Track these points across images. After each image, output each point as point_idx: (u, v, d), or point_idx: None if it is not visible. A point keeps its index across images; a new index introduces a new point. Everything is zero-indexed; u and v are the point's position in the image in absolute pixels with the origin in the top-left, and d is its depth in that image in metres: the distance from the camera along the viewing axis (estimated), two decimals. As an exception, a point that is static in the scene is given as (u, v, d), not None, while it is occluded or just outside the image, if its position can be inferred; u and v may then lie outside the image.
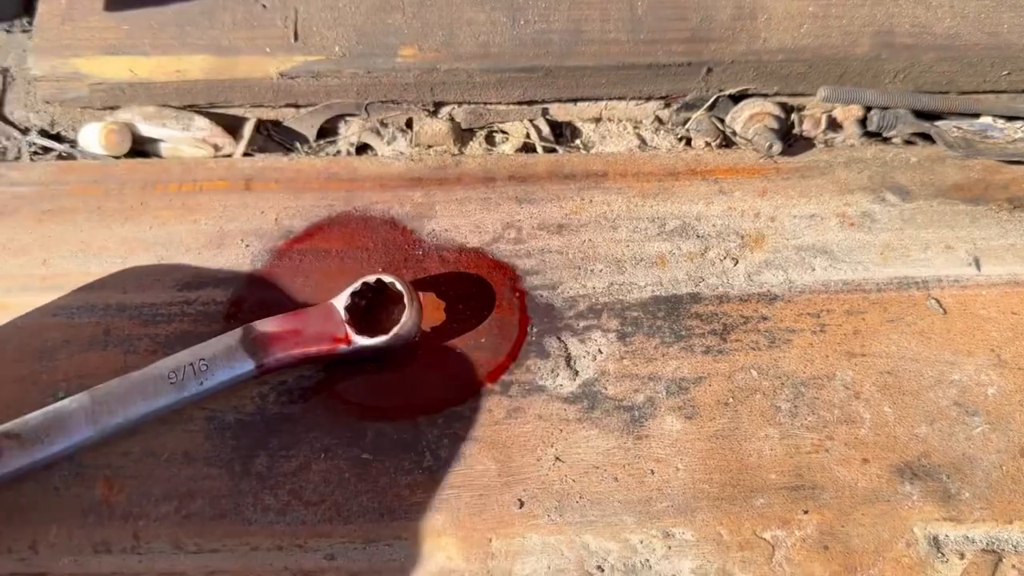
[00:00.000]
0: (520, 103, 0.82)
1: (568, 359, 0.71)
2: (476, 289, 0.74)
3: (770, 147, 0.77)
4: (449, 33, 0.78)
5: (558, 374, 0.70)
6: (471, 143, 0.83)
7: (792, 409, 0.69)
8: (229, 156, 0.81)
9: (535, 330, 0.72)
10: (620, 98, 0.82)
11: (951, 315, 0.73)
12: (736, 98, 0.81)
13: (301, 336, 0.67)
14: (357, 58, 0.77)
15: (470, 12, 0.79)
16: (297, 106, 0.82)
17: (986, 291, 0.74)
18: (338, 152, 0.83)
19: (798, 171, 0.79)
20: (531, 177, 0.79)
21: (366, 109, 0.81)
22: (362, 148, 0.84)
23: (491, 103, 0.82)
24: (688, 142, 0.83)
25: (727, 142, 0.82)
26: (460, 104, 0.82)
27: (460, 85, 0.79)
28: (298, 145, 0.83)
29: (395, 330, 0.67)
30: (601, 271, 0.75)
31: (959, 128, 0.78)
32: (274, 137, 0.83)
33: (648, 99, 0.82)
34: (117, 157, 0.81)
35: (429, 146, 0.82)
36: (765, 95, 0.81)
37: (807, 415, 0.69)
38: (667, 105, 0.82)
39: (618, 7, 0.79)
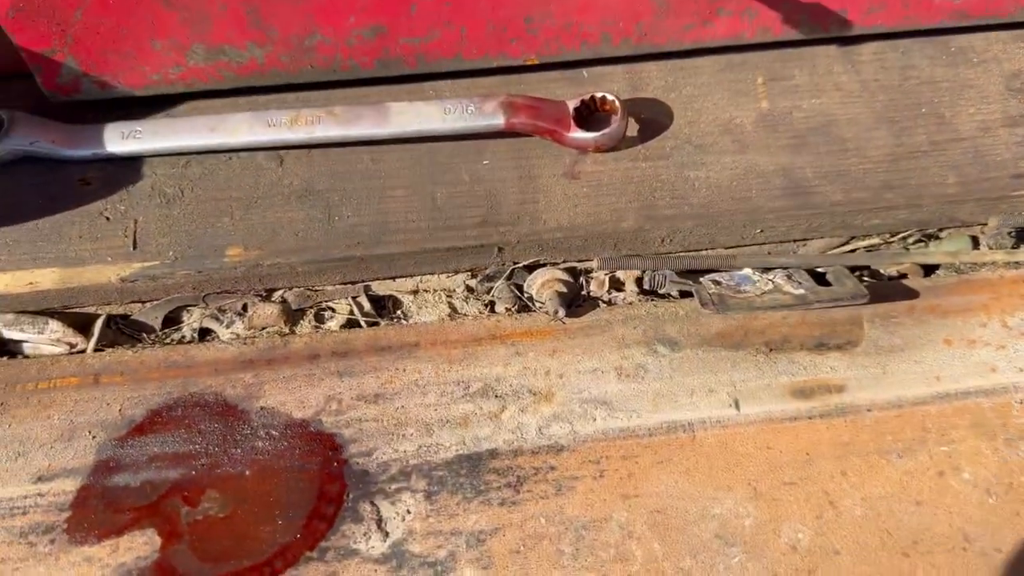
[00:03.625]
0: (343, 283, 0.93)
1: (379, 521, 0.80)
2: (299, 460, 0.83)
3: (556, 313, 0.89)
4: (272, 232, 0.89)
5: (370, 536, 0.80)
6: (301, 322, 0.94)
7: (574, 552, 0.79)
8: (83, 351, 0.91)
9: (351, 496, 0.82)
10: (431, 273, 0.94)
11: (713, 453, 0.84)
12: (530, 268, 0.93)
13: (539, 113, 0.91)
14: (188, 260, 0.88)
15: (291, 212, 0.90)
16: (142, 302, 0.92)
17: (744, 429, 0.85)
18: (183, 338, 0.93)
19: (583, 330, 0.91)
20: (352, 352, 0.90)
21: (204, 300, 0.91)
22: (205, 332, 0.94)
23: (316, 287, 0.92)
24: (492, 308, 0.94)
25: (524, 307, 0.94)
26: (290, 288, 0.93)
27: (284, 275, 0.90)
28: (145, 335, 0.93)
29: (602, 132, 0.91)
30: (412, 435, 0.85)
31: (718, 283, 0.90)
32: (123, 330, 0.93)
33: (456, 272, 0.94)
34: (-19, 358, 0.90)
35: (263, 328, 0.92)
36: (554, 264, 0.93)
37: (587, 556, 0.79)
38: (473, 276, 0.94)
39: (420, 199, 0.91)
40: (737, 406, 0.86)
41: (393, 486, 0.82)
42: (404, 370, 0.88)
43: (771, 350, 0.89)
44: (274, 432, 0.85)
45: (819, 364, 0.88)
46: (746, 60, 0.99)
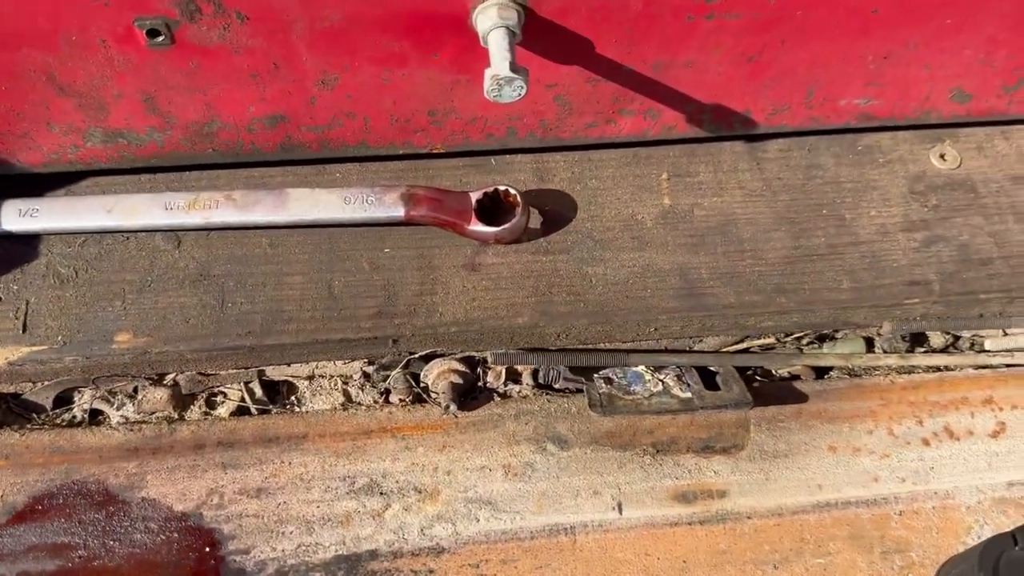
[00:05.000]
0: (236, 368, 0.93)
1: (252, 623, 0.80)
2: (176, 555, 0.83)
3: (447, 408, 0.89)
4: (162, 318, 0.89)
5: (240, 638, 0.79)
6: (192, 407, 0.94)
7: (445, 660, 0.79)
8: (-31, 431, 0.90)
9: (225, 595, 0.81)
10: (326, 359, 0.93)
11: (592, 558, 0.84)
12: (427, 357, 0.93)
13: (441, 205, 0.90)
14: (77, 346, 0.87)
15: (183, 297, 0.90)
16: (32, 382, 0.91)
17: (625, 534, 0.86)
18: (73, 419, 0.93)
19: (475, 425, 0.91)
20: (238, 442, 0.89)
21: (94, 382, 0.91)
22: (96, 412, 0.93)
23: (208, 372, 0.92)
24: (388, 396, 0.95)
25: (419, 397, 0.94)
26: (181, 372, 0.92)
27: (173, 362, 0.90)
28: (35, 415, 0.92)
29: (503, 226, 0.91)
30: (292, 533, 0.85)
31: (609, 382, 0.91)
32: (13, 409, 0.92)
33: (352, 359, 0.94)
34: None
35: (152, 412, 0.92)
36: (451, 354, 0.93)
37: (457, 665, 0.79)
38: (370, 363, 0.94)
39: (317, 287, 0.91)
40: (620, 509, 0.87)
41: (269, 585, 0.82)
42: (290, 463, 0.88)
43: (658, 451, 0.90)
44: (153, 525, 0.84)
45: (703, 468, 0.89)
46: (652, 154, 1.00)
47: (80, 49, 0.80)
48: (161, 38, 0.79)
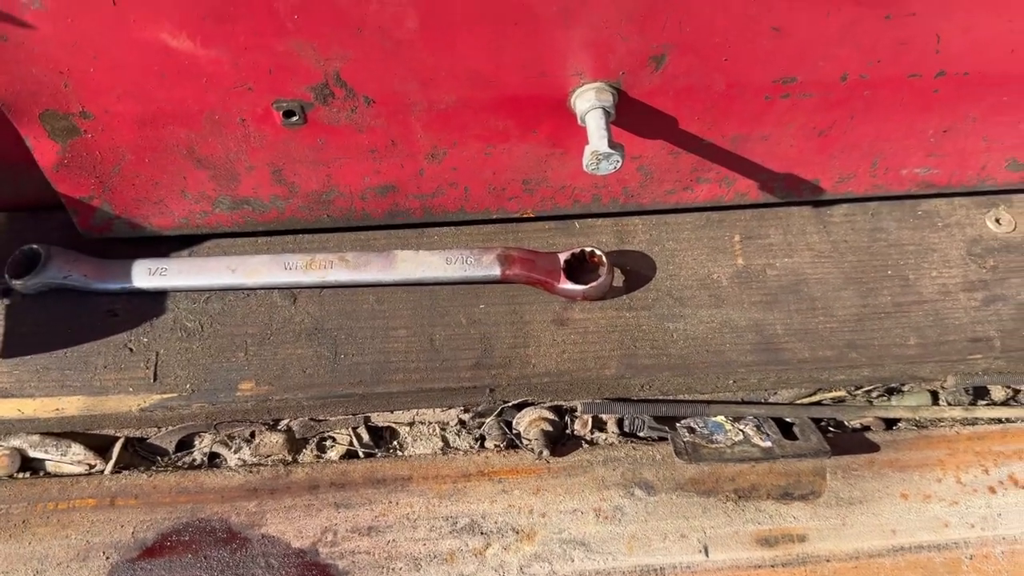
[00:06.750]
0: (345, 415, 1.00)
1: (367, 654, 0.86)
2: (296, 591, 0.90)
3: (541, 453, 0.96)
4: (282, 368, 0.97)
5: (357, 668, 0.85)
6: (304, 450, 1.01)
7: None
8: (102, 472, 0.98)
9: (342, 627, 0.88)
10: (427, 407, 1.01)
11: (681, 598, 0.90)
12: (519, 406, 1.00)
13: (533, 265, 0.99)
14: (204, 393, 0.95)
15: (300, 349, 0.98)
16: (158, 427, 0.99)
17: (712, 575, 0.91)
18: (193, 462, 1.00)
19: (566, 470, 0.98)
20: (349, 483, 0.97)
21: (215, 427, 0.99)
22: (214, 455, 1.01)
23: (320, 418, 1.00)
24: (483, 442, 1.02)
25: (512, 443, 1.01)
26: (295, 418, 1.00)
27: (291, 409, 0.97)
28: (159, 458, 1.00)
29: (590, 284, 0.98)
30: (401, 569, 0.91)
31: (692, 431, 0.97)
32: (139, 452, 1.00)
33: (450, 407, 1.01)
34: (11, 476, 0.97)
35: (268, 455, 0.99)
36: (541, 403, 1.00)
37: None
38: (466, 411, 1.01)
39: (420, 340, 0.99)
40: (706, 552, 0.92)
41: (381, 619, 0.88)
42: (397, 503, 0.95)
43: (740, 498, 0.96)
44: (274, 561, 0.91)
45: (784, 513, 0.95)
46: (724, 218, 1.08)
47: (221, 127, 0.90)
48: (295, 118, 0.88)
